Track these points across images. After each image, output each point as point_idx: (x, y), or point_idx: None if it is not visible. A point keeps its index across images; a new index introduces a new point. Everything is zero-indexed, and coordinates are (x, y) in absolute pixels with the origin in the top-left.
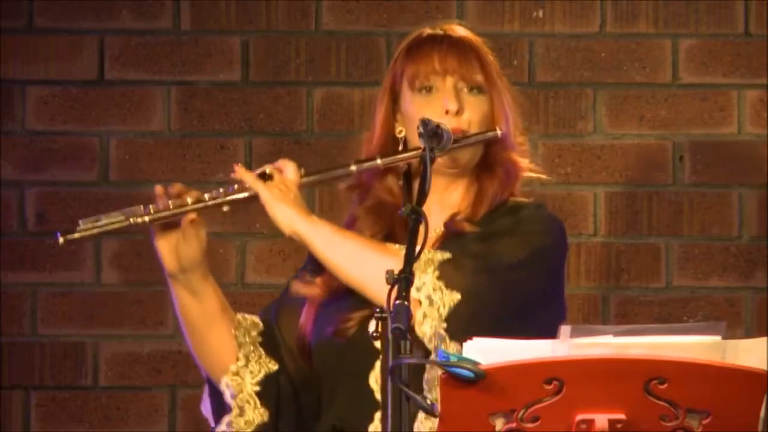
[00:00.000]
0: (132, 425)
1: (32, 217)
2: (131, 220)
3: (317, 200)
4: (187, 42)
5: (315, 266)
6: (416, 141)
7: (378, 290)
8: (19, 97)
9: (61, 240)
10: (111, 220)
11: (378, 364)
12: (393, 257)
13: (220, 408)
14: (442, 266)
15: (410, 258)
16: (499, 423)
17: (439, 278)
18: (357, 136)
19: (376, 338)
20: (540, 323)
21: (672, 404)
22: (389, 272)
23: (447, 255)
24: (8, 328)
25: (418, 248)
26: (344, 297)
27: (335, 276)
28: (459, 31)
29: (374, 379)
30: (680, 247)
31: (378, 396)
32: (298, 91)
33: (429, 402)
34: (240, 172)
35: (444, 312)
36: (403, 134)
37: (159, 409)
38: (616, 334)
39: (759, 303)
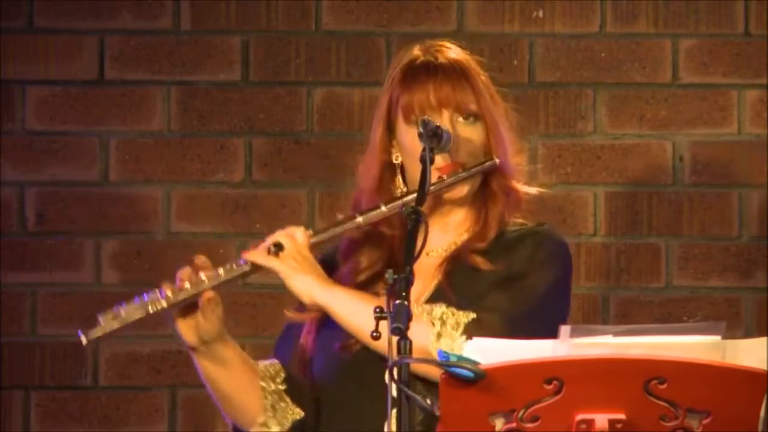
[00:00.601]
0: (132, 425)
1: (32, 217)
2: (150, 309)
3: (317, 201)
4: (187, 42)
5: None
6: (413, 169)
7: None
8: (19, 97)
9: (84, 341)
10: (131, 313)
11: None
12: (418, 324)
13: None
14: (468, 328)
15: (410, 258)
16: (499, 423)
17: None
18: (357, 137)
19: (376, 338)
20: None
21: (672, 404)
22: (388, 272)
23: (472, 315)
24: (8, 328)
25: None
26: None
27: (360, 340)
28: (451, 54)
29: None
30: (680, 247)
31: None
32: (298, 91)
33: (429, 402)
34: (250, 255)
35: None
36: (399, 161)
37: (159, 409)
38: (616, 334)
39: (759, 303)
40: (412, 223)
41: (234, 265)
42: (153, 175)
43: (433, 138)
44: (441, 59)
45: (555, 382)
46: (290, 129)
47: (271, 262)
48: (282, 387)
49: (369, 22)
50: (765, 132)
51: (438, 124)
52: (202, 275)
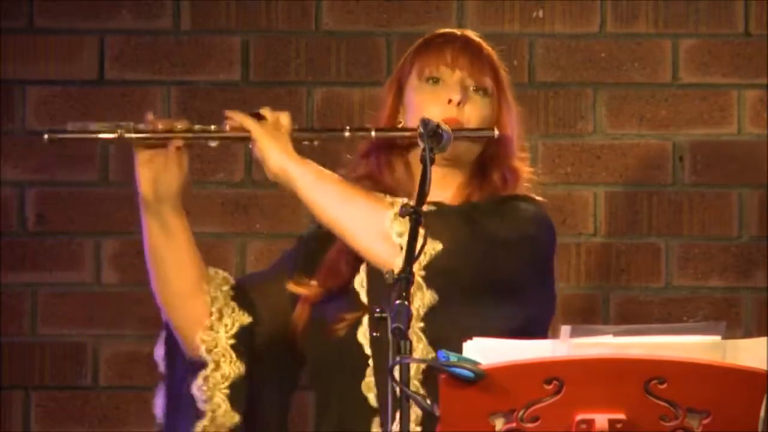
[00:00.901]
0: (132, 425)
1: (32, 217)
2: (120, 132)
3: None
4: (187, 42)
5: (308, 266)
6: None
7: (359, 235)
8: (19, 97)
9: (46, 137)
10: (100, 128)
11: (369, 371)
12: (379, 204)
13: (172, 353)
14: (427, 216)
15: (410, 258)
16: (499, 423)
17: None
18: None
19: (376, 338)
20: (517, 311)
21: (672, 404)
22: (389, 272)
23: (431, 207)
24: (8, 328)
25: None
26: (339, 297)
27: (319, 219)
28: (475, 37)
29: (366, 387)
30: (680, 247)
31: (372, 402)
32: (298, 91)
33: (429, 402)
34: (230, 112)
35: (424, 260)
36: (402, 125)
37: None
38: (616, 334)
39: (758, 303)
40: (413, 223)
41: (213, 127)
42: None
43: (433, 138)
44: (465, 33)
45: (555, 382)
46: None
47: (248, 123)
48: (231, 293)
49: (369, 22)
50: (765, 132)
51: (438, 123)
52: (177, 125)
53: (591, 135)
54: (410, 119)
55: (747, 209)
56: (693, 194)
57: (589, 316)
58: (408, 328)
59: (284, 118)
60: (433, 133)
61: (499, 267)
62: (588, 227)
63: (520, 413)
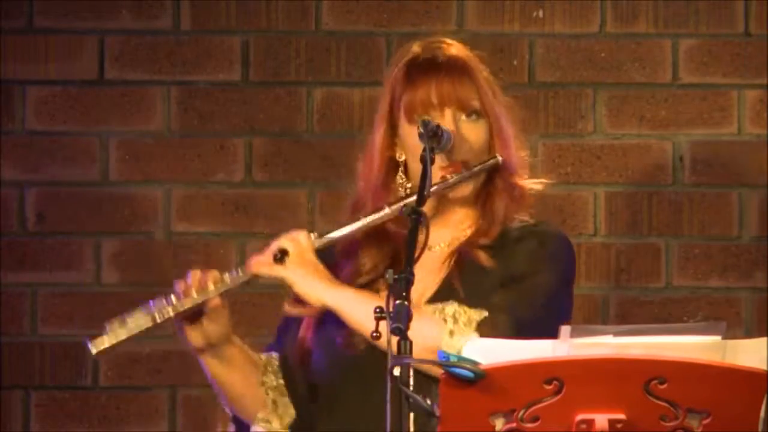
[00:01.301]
0: (132, 425)
1: (32, 217)
2: (157, 318)
3: (317, 201)
4: (187, 42)
5: None
6: (416, 168)
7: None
8: (19, 97)
9: (93, 351)
10: (138, 321)
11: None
12: (431, 321)
13: None
14: (480, 327)
15: (410, 258)
16: (499, 423)
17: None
18: (357, 137)
19: (376, 338)
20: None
21: (672, 404)
22: (389, 273)
23: (484, 313)
24: (8, 328)
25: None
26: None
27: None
28: (452, 50)
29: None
30: (680, 247)
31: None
32: (298, 91)
33: (429, 402)
34: (256, 267)
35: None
36: (403, 158)
37: (159, 409)
38: (616, 334)
39: (759, 303)
40: (413, 223)
41: (240, 272)
42: (153, 175)
43: (433, 138)
44: (442, 57)
45: (555, 382)
46: (290, 129)
47: (276, 271)
48: (282, 382)
49: (369, 22)
50: (765, 132)
51: (438, 123)
52: (210, 284)
53: (591, 135)
54: (411, 160)
55: (747, 209)
56: (693, 194)
57: (589, 316)
58: (407, 328)
59: (303, 239)
60: (433, 133)
61: (556, 320)
62: (588, 227)
63: (520, 413)
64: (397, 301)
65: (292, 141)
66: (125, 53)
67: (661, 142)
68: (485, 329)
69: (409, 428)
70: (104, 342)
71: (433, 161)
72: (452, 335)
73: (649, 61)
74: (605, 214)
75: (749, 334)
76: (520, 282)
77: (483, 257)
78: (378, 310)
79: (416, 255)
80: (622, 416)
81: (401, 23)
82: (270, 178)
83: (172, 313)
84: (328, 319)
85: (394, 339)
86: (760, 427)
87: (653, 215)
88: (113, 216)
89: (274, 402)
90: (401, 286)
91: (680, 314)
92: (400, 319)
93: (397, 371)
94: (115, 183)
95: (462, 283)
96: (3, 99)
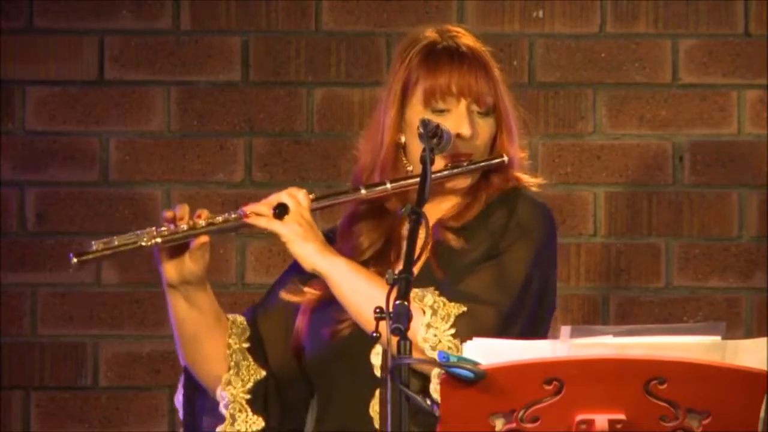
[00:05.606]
0: (132, 425)
1: (32, 217)
2: (144, 241)
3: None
4: (187, 42)
5: (304, 273)
6: (416, 149)
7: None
8: (19, 97)
9: (74, 260)
10: (124, 242)
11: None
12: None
13: (191, 400)
14: (458, 321)
15: (410, 258)
16: (499, 423)
17: (454, 336)
18: (357, 137)
19: (376, 338)
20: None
21: (672, 404)
22: (389, 273)
23: (463, 308)
24: (8, 328)
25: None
26: (336, 301)
27: (349, 313)
28: (469, 41)
29: (374, 356)
30: (680, 247)
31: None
32: (298, 91)
33: (429, 402)
34: (253, 217)
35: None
36: (403, 140)
37: (159, 409)
38: (616, 334)
39: (759, 303)
40: (413, 223)
41: (233, 215)
42: (153, 175)
43: (433, 138)
44: (462, 47)
45: (555, 382)
46: (290, 129)
47: (274, 226)
48: (246, 345)
49: (369, 22)
50: (765, 132)
51: (438, 123)
52: (200, 220)
53: (591, 135)
54: (412, 143)
55: (747, 209)
56: (693, 194)
57: (589, 316)
58: (407, 328)
59: (302, 197)
60: (433, 133)
61: (534, 299)
62: (588, 227)
63: (520, 413)
64: (397, 302)
65: (291, 141)
66: (125, 53)
67: (661, 142)
68: (463, 324)
69: (408, 428)
70: (87, 255)
71: (433, 161)
72: (428, 329)
73: (649, 61)
74: (605, 214)
75: (749, 334)
76: (496, 262)
77: (450, 237)
78: (378, 310)
79: (416, 255)
80: (621, 416)
81: (401, 23)
82: (270, 178)
83: (159, 240)
84: (319, 309)
85: (394, 339)
86: (760, 427)
87: (653, 215)
88: (113, 216)
89: (237, 365)
90: (401, 286)
91: (680, 314)
92: (400, 320)
93: (381, 363)
94: (115, 183)
95: (438, 265)
96: (3, 99)
